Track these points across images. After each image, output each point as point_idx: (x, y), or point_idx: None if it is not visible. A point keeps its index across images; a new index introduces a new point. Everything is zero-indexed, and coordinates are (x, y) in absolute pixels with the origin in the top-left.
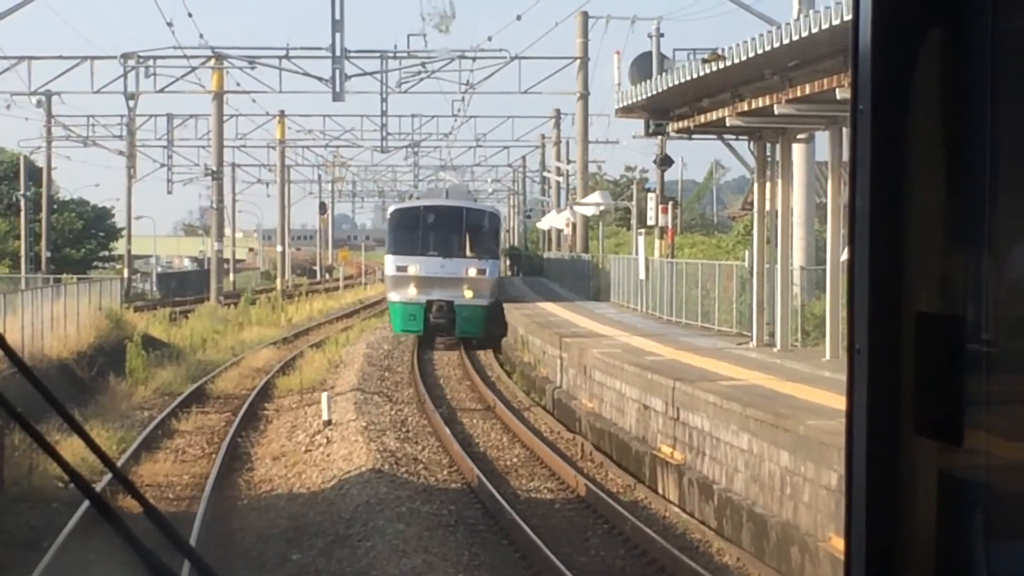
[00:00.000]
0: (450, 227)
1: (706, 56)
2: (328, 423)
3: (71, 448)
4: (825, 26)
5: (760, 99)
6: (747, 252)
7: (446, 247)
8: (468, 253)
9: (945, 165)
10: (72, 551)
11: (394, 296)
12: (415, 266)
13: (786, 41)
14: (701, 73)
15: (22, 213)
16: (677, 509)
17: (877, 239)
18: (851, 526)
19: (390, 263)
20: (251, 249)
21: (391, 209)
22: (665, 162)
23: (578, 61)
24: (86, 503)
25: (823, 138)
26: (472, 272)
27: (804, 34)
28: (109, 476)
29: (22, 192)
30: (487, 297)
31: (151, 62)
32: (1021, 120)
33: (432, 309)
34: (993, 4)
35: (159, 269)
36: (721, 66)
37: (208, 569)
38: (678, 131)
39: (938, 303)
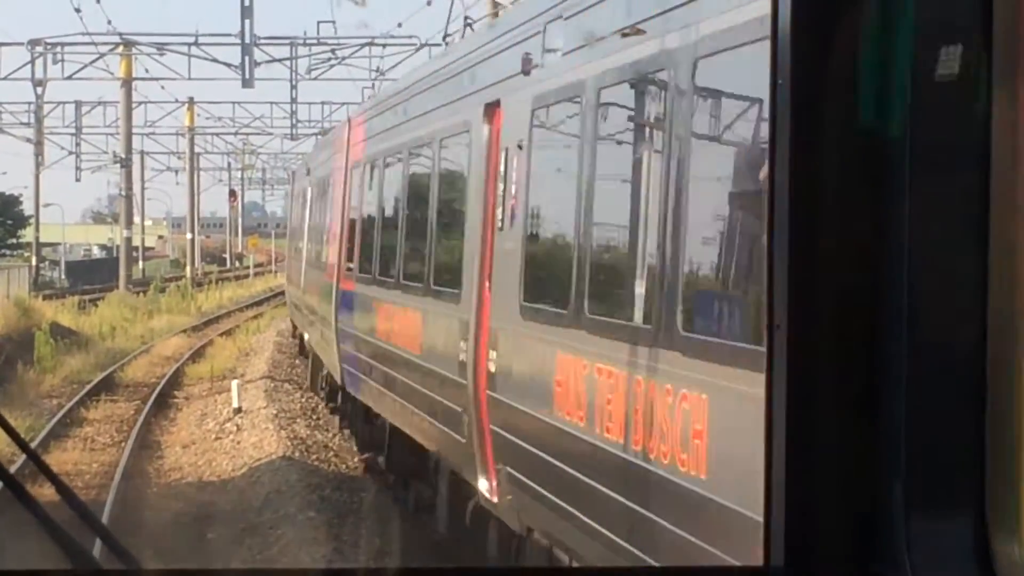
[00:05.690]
0: None
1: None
2: (238, 411)
3: None
4: None
5: None
6: None
7: None
8: None
9: (862, 143)
10: None
11: None
12: None
13: None
14: None
15: None
16: None
17: (796, 216)
18: (771, 498)
19: None
20: (160, 237)
21: None
22: None
23: None
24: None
25: None
26: None
27: None
28: (21, 460)
29: None
30: None
31: (59, 48)
32: (936, 97)
33: None
34: None
35: (81, 255)
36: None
37: (119, 546)
38: None
39: (856, 281)
